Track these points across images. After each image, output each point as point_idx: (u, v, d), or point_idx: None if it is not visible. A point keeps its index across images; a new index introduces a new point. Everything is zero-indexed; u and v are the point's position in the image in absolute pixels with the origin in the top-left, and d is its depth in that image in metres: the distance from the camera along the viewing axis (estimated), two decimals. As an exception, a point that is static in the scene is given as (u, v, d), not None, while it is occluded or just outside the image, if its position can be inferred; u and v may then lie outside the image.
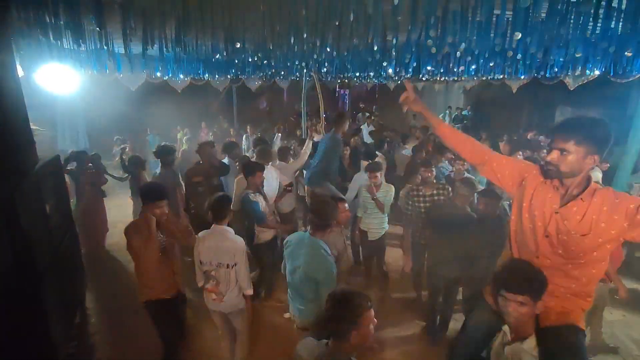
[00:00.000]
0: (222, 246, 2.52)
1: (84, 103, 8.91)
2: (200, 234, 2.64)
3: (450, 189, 3.54)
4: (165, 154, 4.19)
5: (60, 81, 5.56)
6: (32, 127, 2.74)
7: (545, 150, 5.75)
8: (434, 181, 3.60)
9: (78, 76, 6.25)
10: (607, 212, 1.52)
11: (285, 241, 2.45)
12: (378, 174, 3.69)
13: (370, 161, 4.27)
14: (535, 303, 1.54)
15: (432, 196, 3.49)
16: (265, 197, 3.55)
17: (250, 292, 2.64)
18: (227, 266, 2.52)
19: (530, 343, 1.60)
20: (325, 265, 2.18)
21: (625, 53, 4.02)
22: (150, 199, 2.44)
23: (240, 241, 2.59)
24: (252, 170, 3.42)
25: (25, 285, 2.11)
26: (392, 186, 3.90)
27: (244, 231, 3.46)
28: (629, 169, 2.25)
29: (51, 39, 3.37)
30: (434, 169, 3.61)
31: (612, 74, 5.90)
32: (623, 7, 2.45)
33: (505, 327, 1.71)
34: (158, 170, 4.31)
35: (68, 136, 8.91)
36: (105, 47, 3.90)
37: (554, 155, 1.55)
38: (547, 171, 1.61)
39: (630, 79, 6.29)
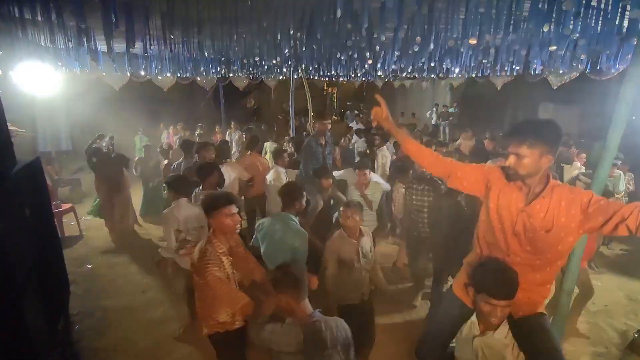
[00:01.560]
0: (194, 212, 3.02)
1: (66, 103, 8.66)
2: (170, 209, 3.09)
3: (440, 182, 3.56)
4: (188, 146, 4.87)
5: (40, 80, 5.39)
6: (11, 127, 2.64)
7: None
8: (428, 176, 3.59)
9: (59, 75, 6.07)
10: (565, 207, 1.61)
11: (257, 225, 2.80)
12: (367, 172, 3.72)
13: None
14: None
15: (424, 190, 3.52)
16: None
17: None
18: (202, 227, 3.01)
19: (502, 333, 1.67)
20: (299, 232, 2.58)
21: (605, 51, 4.13)
22: (215, 207, 2.11)
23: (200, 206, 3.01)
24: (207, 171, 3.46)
25: (6, 292, 2.04)
26: (380, 184, 3.96)
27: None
28: (609, 164, 2.35)
29: (30, 36, 3.26)
30: None
31: (591, 70, 6.05)
32: (602, 6, 2.51)
33: (473, 319, 1.76)
34: (181, 161, 4.77)
35: (49, 137, 8.66)
36: (86, 45, 3.79)
37: (511, 160, 1.62)
38: (508, 175, 1.71)
39: (609, 77, 6.47)
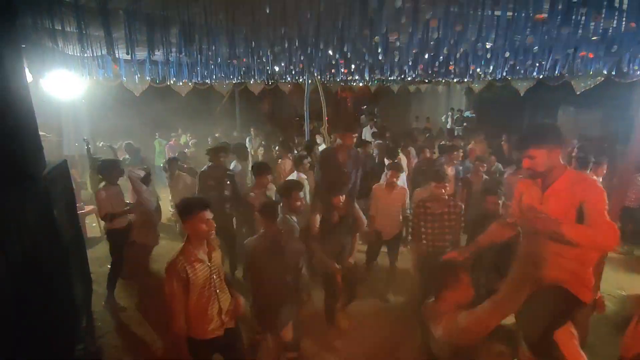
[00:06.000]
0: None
1: (88, 108, 9.00)
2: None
3: (463, 207, 3.24)
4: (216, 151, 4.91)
5: (66, 87, 5.63)
6: (40, 132, 2.77)
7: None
8: (445, 198, 3.18)
9: (83, 82, 6.32)
10: (576, 194, 1.87)
11: None
12: (396, 176, 3.75)
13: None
14: None
15: (442, 215, 3.13)
16: None
17: None
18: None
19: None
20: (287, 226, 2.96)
21: (627, 53, 4.02)
22: (190, 212, 2.11)
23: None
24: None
25: (33, 289, 2.14)
26: (407, 189, 3.96)
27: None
28: (632, 168, 2.30)
29: (59, 46, 3.41)
30: (447, 185, 3.18)
31: (615, 73, 5.88)
32: (624, 6, 2.46)
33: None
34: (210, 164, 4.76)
35: (73, 141, 8.98)
36: (110, 54, 3.95)
37: (527, 162, 1.94)
38: (528, 175, 2.02)
39: (635, 79, 6.26)
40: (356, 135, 3.59)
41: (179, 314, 2.08)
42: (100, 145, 8.30)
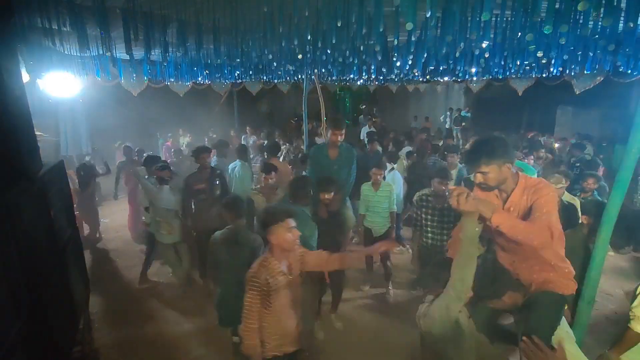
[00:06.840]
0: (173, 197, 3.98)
1: (86, 108, 8.96)
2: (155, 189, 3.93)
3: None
4: (222, 146, 5.50)
5: (63, 87, 5.61)
6: (36, 132, 2.76)
7: (543, 150, 5.84)
8: (446, 195, 3.22)
9: (81, 82, 6.29)
10: (526, 200, 1.91)
11: None
12: (379, 174, 3.83)
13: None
14: None
15: (442, 211, 3.27)
16: None
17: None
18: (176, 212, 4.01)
19: None
20: (308, 222, 2.86)
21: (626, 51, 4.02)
22: (275, 221, 1.99)
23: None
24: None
25: (30, 290, 2.12)
26: (393, 185, 3.99)
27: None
28: (631, 168, 2.30)
29: (56, 45, 3.39)
30: (449, 183, 3.30)
31: (613, 73, 5.88)
32: (622, 5, 2.45)
33: None
34: (214, 159, 5.04)
35: (71, 141, 8.93)
36: (107, 54, 3.93)
37: (479, 178, 1.88)
38: (484, 189, 1.98)
39: (633, 79, 6.28)
40: (342, 132, 3.50)
41: (252, 330, 1.98)
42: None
